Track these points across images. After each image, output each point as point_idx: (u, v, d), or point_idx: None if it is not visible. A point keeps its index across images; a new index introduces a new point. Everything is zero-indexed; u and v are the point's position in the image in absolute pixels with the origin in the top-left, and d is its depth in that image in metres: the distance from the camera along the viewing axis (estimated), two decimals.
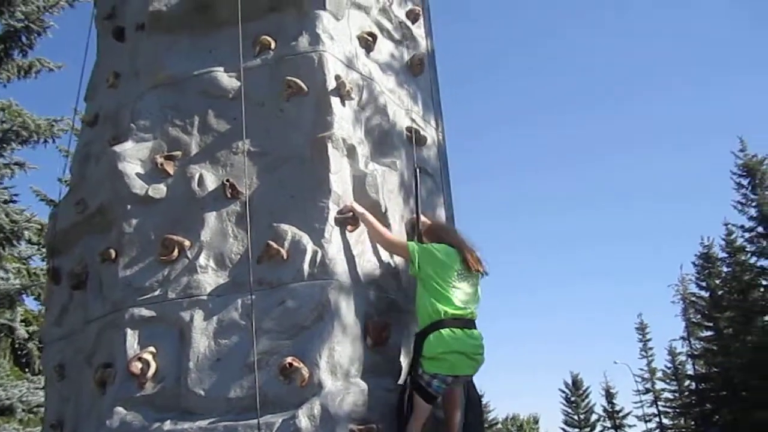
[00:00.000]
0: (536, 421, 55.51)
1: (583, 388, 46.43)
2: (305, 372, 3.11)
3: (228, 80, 3.95)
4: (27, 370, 9.36)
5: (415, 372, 3.30)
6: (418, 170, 3.98)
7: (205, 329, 3.36)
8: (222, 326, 3.36)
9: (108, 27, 4.84)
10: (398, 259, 3.83)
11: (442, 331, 3.24)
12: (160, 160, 3.80)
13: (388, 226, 3.82)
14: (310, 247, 3.43)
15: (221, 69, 3.99)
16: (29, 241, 8.76)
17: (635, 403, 39.55)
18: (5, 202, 10.27)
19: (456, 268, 3.43)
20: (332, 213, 3.53)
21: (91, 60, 5.01)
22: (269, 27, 4.06)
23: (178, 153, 3.85)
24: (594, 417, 45.01)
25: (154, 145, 3.92)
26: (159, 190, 3.77)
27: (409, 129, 4.37)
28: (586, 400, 46.07)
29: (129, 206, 3.75)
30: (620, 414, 42.44)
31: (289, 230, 3.50)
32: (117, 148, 3.89)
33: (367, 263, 3.62)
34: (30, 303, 9.93)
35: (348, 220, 3.58)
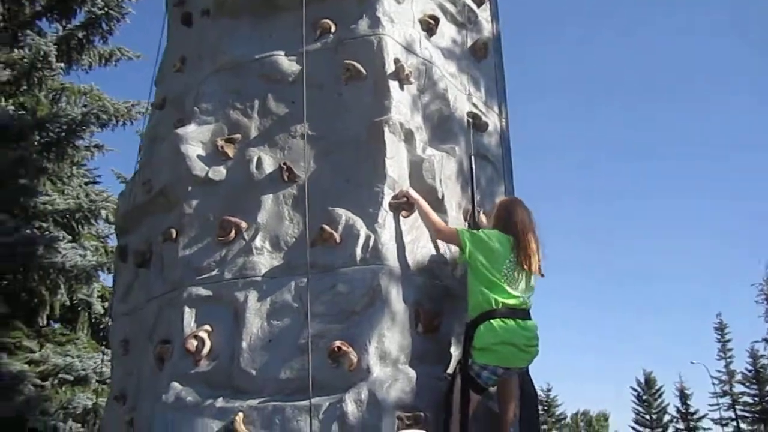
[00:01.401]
0: (606, 419, 54.30)
1: (656, 388, 45.02)
2: (353, 357, 3.10)
3: (288, 64, 3.97)
4: (104, 343, 9.83)
5: (464, 362, 3.21)
6: (473, 158, 3.88)
7: (259, 310, 3.40)
8: (275, 308, 3.39)
9: (178, 13, 4.95)
10: (454, 247, 3.76)
11: (493, 321, 3.12)
12: (220, 142, 3.87)
13: (444, 212, 3.76)
14: (363, 231, 3.40)
15: (282, 53, 4.01)
16: (107, 220, 9.17)
17: (711, 405, 38.18)
18: (86, 183, 10.79)
19: (509, 257, 3.28)
20: (387, 198, 3.50)
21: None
22: (330, 10, 4.04)
23: (238, 136, 3.90)
24: (667, 417, 43.62)
25: (216, 128, 3.98)
26: (219, 173, 3.83)
27: (470, 114, 4.27)
28: (659, 400, 44.68)
29: (190, 188, 3.83)
30: (695, 416, 40.91)
31: (344, 214, 3.49)
32: (180, 131, 3.99)
33: (421, 250, 3.57)
34: (107, 280, 10.40)
35: (402, 206, 3.53)
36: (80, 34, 9.35)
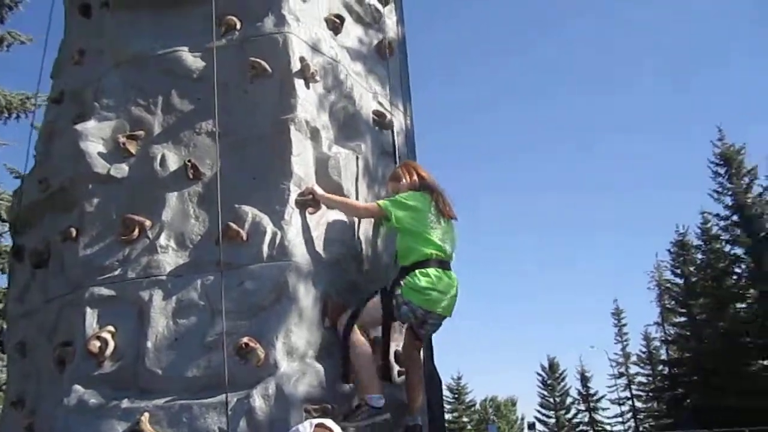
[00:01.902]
0: (514, 404, 56.39)
1: (559, 372, 47.15)
2: (261, 352, 3.14)
3: (192, 60, 3.93)
4: None
5: (391, 291, 3.42)
6: (394, 131, 4.30)
7: (164, 309, 3.38)
8: (181, 306, 3.37)
9: (75, 3, 4.77)
10: (360, 242, 3.86)
11: (429, 270, 3.39)
12: (122, 139, 3.79)
13: None
14: (269, 228, 3.44)
15: (185, 48, 3.96)
16: (0, 219, 8.66)
17: (609, 387, 40.53)
18: None
19: (429, 211, 3.56)
20: (293, 195, 3.55)
21: (56, 37, 4.97)
22: (235, 7, 4.02)
23: (141, 133, 3.83)
24: (569, 400, 45.81)
25: (117, 124, 3.89)
26: (121, 170, 3.75)
27: (375, 113, 4.38)
28: (562, 384, 46.84)
29: (90, 185, 3.74)
30: (594, 397, 43.20)
31: (250, 212, 3.51)
32: (79, 127, 3.87)
33: (328, 246, 3.63)
34: (2, 280, 9.87)
35: (309, 203, 3.59)
36: None
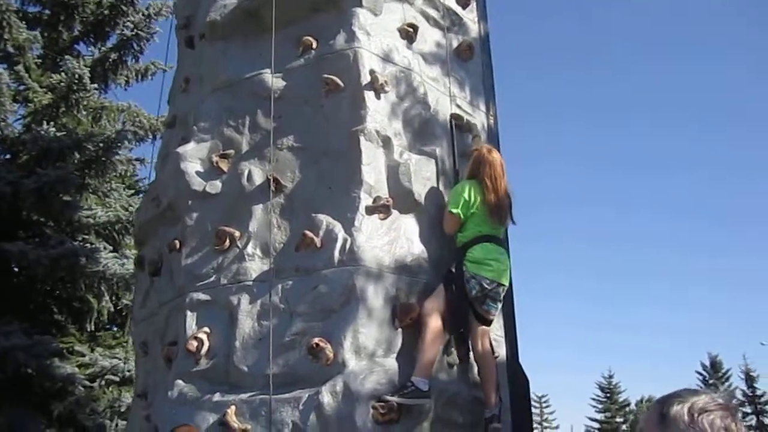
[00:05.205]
0: None
1: (723, 371, 43.68)
2: (329, 352, 3.36)
3: (274, 81, 4.24)
4: None
5: (458, 272, 3.75)
6: (453, 121, 4.39)
7: (250, 312, 3.70)
8: (264, 309, 3.68)
9: (183, 36, 5.30)
10: (433, 244, 3.97)
11: (484, 243, 3.81)
12: (215, 158, 4.18)
13: (423, 213, 3.99)
14: (341, 235, 3.66)
15: (268, 71, 4.28)
16: None
17: None
18: (133, 194, 11.38)
19: (480, 200, 3.88)
20: (363, 202, 3.74)
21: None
22: (311, 28, 4.30)
23: (231, 151, 4.21)
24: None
25: (212, 145, 4.30)
26: (215, 186, 4.15)
27: (453, 116, 4.45)
28: (726, 384, 43.33)
29: (190, 201, 4.16)
30: (762, 399, 39.61)
31: (324, 220, 3.75)
32: (180, 149, 4.32)
33: (399, 249, 3.78)
34: None
35: (379, 209, 3.76)
36: (113, 56, 9.91)
